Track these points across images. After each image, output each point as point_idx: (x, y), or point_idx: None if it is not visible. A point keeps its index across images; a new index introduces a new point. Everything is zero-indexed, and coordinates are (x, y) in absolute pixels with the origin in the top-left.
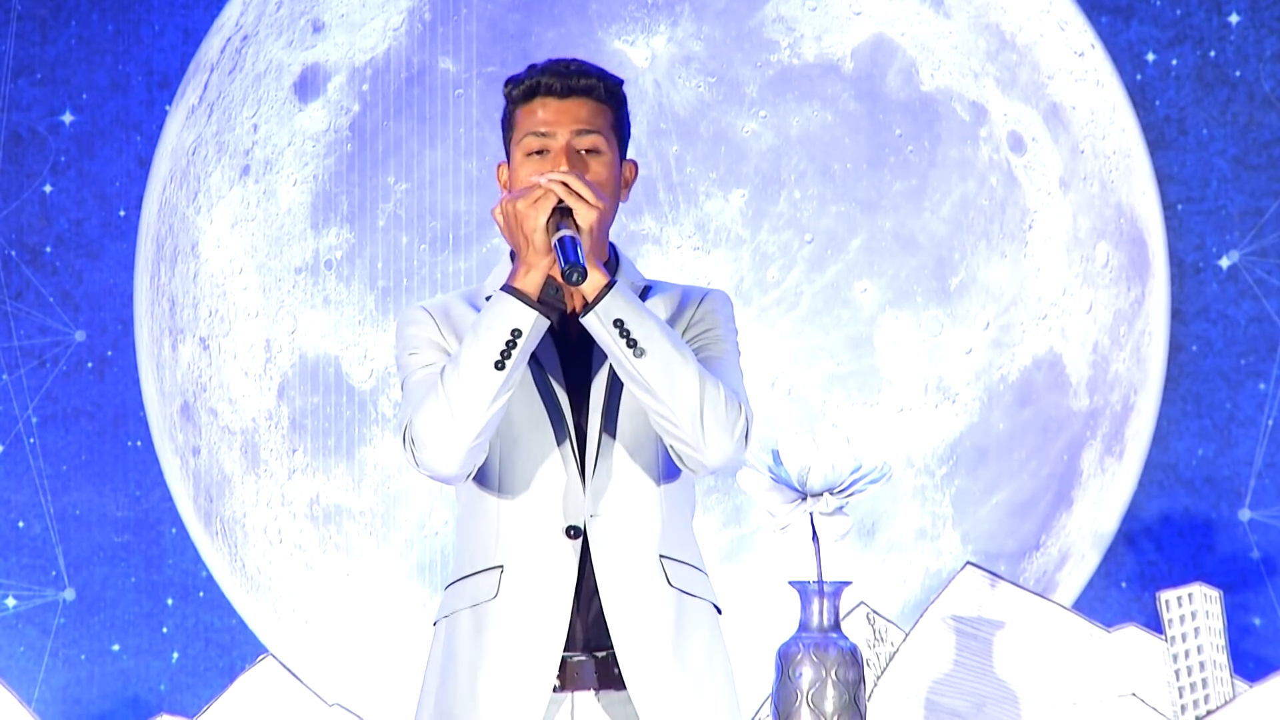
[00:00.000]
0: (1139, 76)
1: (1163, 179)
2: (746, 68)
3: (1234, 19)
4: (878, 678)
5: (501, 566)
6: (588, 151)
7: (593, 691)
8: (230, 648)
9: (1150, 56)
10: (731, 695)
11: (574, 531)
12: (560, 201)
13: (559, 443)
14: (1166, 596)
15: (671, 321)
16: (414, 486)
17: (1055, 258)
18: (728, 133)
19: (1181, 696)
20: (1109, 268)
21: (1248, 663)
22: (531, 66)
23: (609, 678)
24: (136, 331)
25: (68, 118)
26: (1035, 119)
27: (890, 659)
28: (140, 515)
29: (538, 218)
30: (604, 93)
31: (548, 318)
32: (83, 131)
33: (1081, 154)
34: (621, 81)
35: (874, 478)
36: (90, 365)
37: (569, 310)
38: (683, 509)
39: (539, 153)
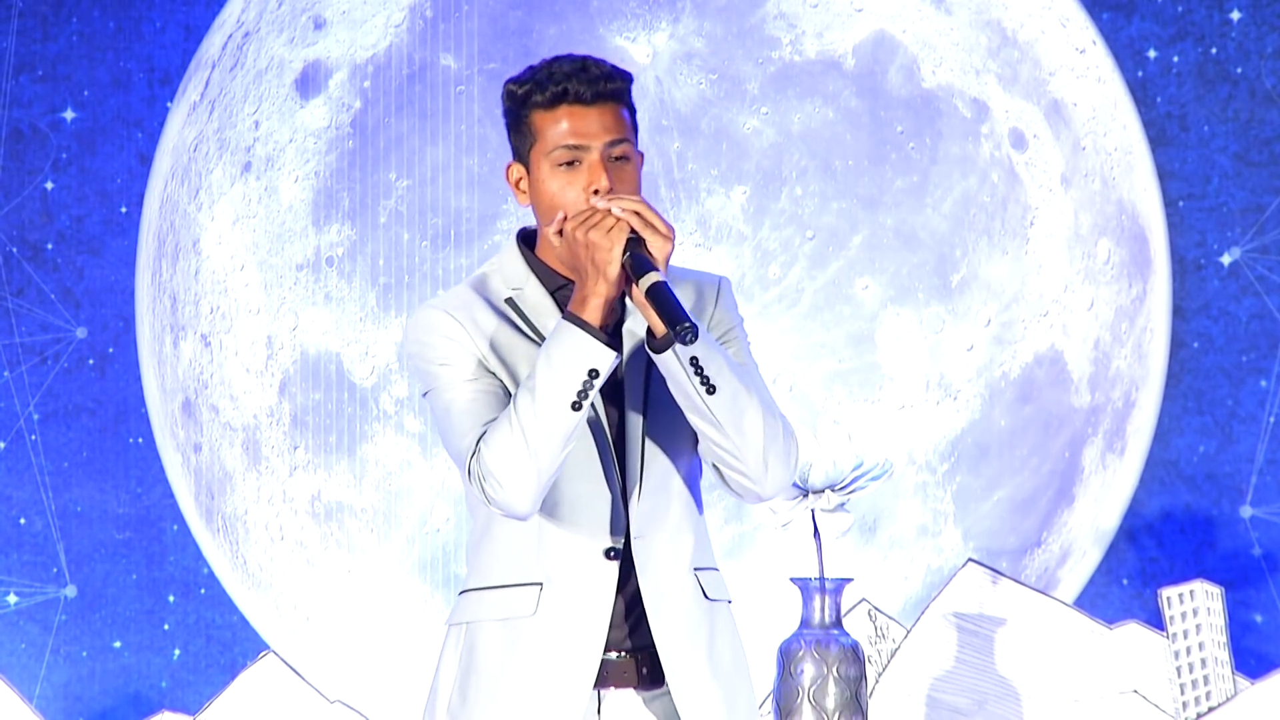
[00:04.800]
0: (1140, 73)
1: (1164, 176)
2: (748, 64)
3: (1235, 15)
4: (879, 674)
5: (541, 584)
6: (619, 159)
7: (626, 689)
8: (231, 644)
9: (1151, 53)
10: (753, 693)
11: (613, 553)
12: (632, 230)
13: (603, 465)
14: (1168, 593)
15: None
16: (415, 483)
17: (1056, 254)
18: (729, 129)
19: (1183, 693)
20: (1110, 264)
21: (1249, 659)
22: (549, 69)
23: (639, 677)
24: (138, 328)
25: (69, 114)
26: (1036, 116)
27: (892, 656)
28: (141, 512)
29: (612, 249)
30: (626, 93)
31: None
32: (84, 128)
33: (1083, 150)
34: (632, 78)
35: (875, 474)
36: (91, 362)
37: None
38: (701, 514)
39: (570, 163)
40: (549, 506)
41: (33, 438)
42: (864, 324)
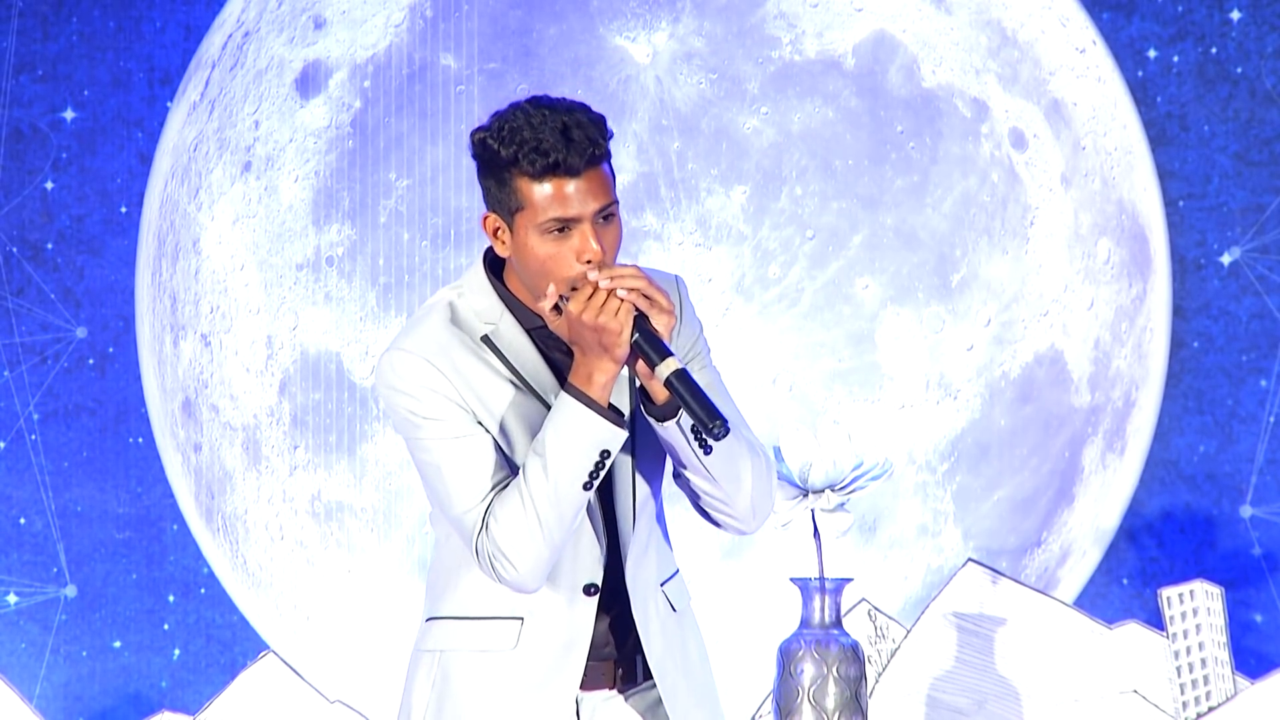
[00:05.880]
0: (1140, 73)
1: (1164, 175)
2: (748, 64)
3: (1235, 15)
4: (879, 674)
5: (522, 619)
6: (606, 218)
7: (601, 690)
8: (231, 644)
9: (1151, 53)
10: (716, 688)
11: (592, 589)
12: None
13: (586, 505)
14: (1168, 593)
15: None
16: (415, 483)
17: (1057, 254)
18: (729, 129)
19: (1183, 693)
20: (1110, 264)
21: (1249, 659)
22: (534, 135)
23: (615, 678)
24: (138, 328)
25: (69, 114)
26: (1037, 115)
27: (892, 656)
28: (141, 512)
29: (622, 333)
30: (609, 149)
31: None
32: (84, 128)
33: (1083, 150)
34: (611, 131)
35: (875, 474)
36: (92, 362)
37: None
38: (664, 525)
39: (560, 230)
40: None
41: (33, 438)
42: (864, 324)
